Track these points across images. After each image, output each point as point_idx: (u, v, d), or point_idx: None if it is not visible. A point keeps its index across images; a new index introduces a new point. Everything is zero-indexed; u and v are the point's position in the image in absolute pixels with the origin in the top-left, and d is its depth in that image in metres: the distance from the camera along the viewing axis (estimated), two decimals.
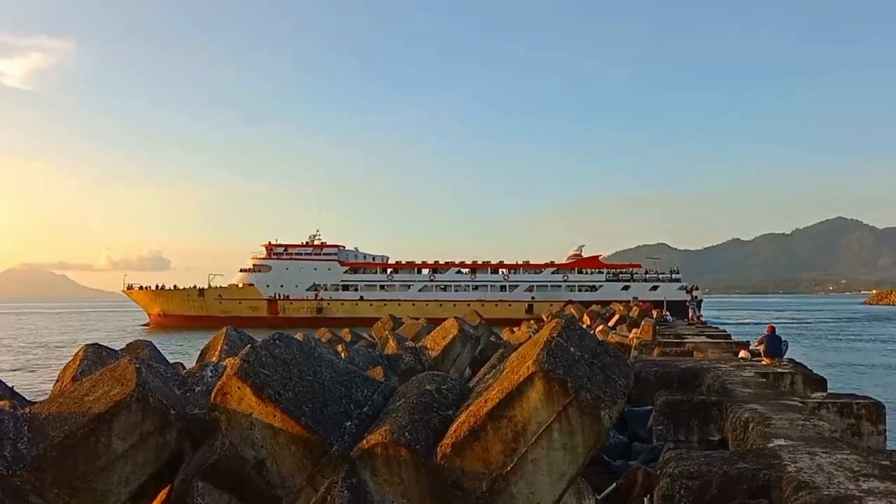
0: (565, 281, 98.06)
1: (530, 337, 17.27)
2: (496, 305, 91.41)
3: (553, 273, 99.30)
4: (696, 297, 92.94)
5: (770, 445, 7.37)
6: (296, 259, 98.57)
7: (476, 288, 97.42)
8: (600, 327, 33.57)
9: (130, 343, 11.10)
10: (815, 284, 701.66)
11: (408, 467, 5.96)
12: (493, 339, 25.30)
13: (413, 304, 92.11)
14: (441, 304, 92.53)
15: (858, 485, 5.60)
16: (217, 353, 11.75)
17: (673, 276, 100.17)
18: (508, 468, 5.67)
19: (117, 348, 10.33)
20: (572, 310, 47.79)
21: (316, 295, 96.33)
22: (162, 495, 7.44)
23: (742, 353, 19.43)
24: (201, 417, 7.37)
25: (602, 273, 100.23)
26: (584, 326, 26.42)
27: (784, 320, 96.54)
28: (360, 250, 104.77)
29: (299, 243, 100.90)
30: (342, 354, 12.93)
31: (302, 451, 6.31)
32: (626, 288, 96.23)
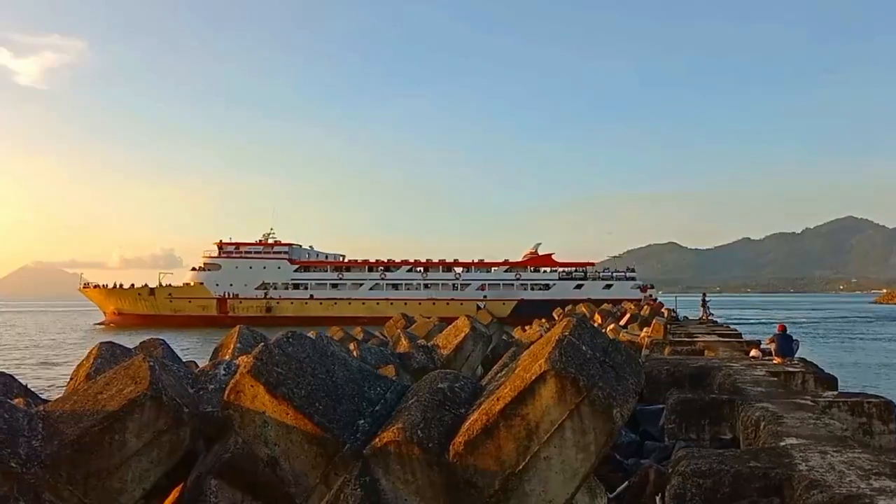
0: (518, 279, 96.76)
1: (542, 335, 17.28)
2: (447, 304, 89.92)
3: (506, 272, 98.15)
4: (651, 295, 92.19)
5: (781, 444, 7.36)
6: (245, 258, 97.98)
7: (428, 286, 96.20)
8: (611, 326, 33.50)
9: (144, 341, 11.17)
10: (825, 283, 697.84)
11: (421, 465, 5.98)
12: (504, 337, 25.29)
13: (363, 303, 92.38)
14: (391, 303, 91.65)
15: (870, 483, 5.60)
16: (230, 351, 11.80)
17: (628, 274, 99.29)
18: (521, 466, 5.68)
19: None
20: (583, 308, 47.66)
21: (265, 294, 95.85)
22: (175, 493, 7.49)
23: (753, 352, 19.35)
24: (214, 415, 7.41)
25: (555, 272, 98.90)
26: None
27: (795, 319, 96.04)
28: (316, 249, 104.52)
29: (251, 242, 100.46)
30: (354, 353, 12.97)
31: (315, 449, 6.34)
32: (579, 287, 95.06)
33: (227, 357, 11.03)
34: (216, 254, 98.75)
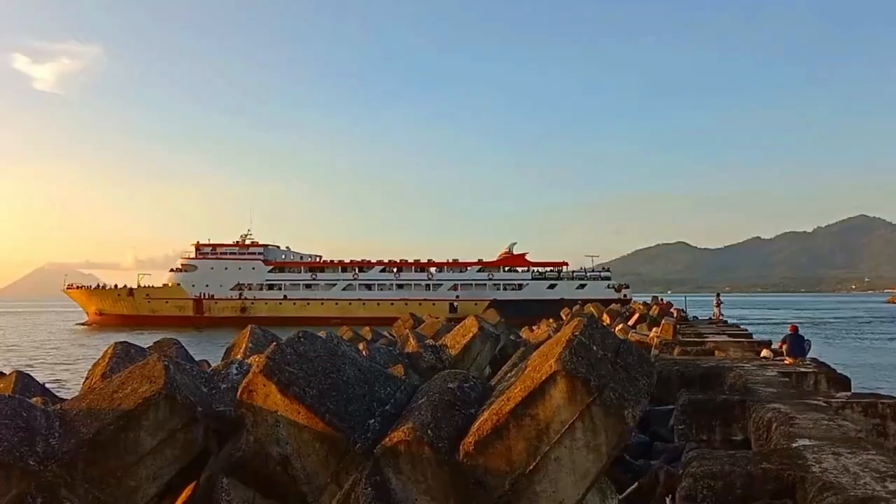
0: (490, 280, 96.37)
1: (550, 336, 17.26)
2: (420, 304, 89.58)
3: (478, 272, 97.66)
4: (625, 295, 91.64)
5: (794, 445, 7.32)
6: (221, 258, 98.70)
7: (401, 287, 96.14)
8: (620, 326, 33.42)
9: (158, 341, 11.27)
10: (837, 283, 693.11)
11: (431, 465, 6.01)
12: (512, 337, 25.29)
13: (336, 304, 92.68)
14: (364, 304, 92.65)
15: (885, 486, 5.55)
16: (242, 350, 11.88)
17: (602, 274, 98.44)
18: (531, 467, 5.70)
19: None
20: (592, 309, 47.56)
21: (240, 294, 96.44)
22: (188, 491, 7.55)
23: (764, 353, 19.27)
24: (227, 414, 7.47)
25: (528, 272, 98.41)
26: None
27: (806, 319, 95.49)
28: (294, 249, 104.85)
29: (228, 243, 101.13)
30: (363, 352, 13.01)
31: (326, 448, 6.39)
32: (552, 287, 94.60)
33: (240, 357, 11.10)
34: (193, 255, 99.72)
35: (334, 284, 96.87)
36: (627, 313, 46.28)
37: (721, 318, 47.95)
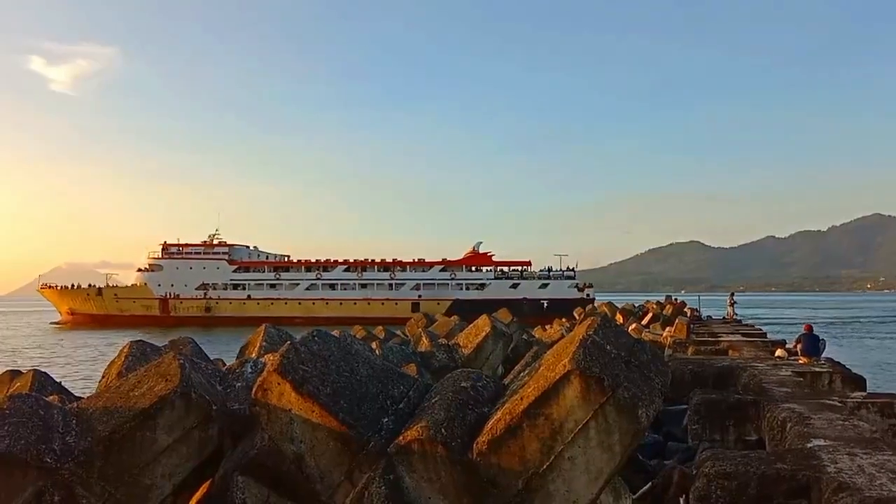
0: (453, 279, 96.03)
1: (563, 335, 17.22)
2: (382, 304, 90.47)
3: (441, 271, 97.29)
4: (589, 294, 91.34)
5: (809, 446, 7.28)
6: (186, 258, 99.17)
7: (364, 286, 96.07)
8: (633, 325, 33.30)
9: (173, 340, 11.36)
10: (852, 282, 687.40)
11: (444, 464, 6.02)
12: (524, 336, 25.26)
13: (300, 303, 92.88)
14: (327, 303, 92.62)
15: None
16: (256, 349, 11.95)
17: (565, 273, 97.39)
18: (545, 466, 5.69)
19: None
20: (604, 308, 47.41)
21: (205, 294, 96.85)
22: (203, 489, 7.60)
23: (778, 352, 19.16)
24: (242, 413, 7.52)
25: (491, 271, 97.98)
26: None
27: (821, 319, 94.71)
28: (261, 249, 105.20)
29: (195, 243, 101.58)
30: (376, 351, 13.05)
31: (340, 447, 6.41)
32: (515, 286, 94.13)
33: (254, 355, 11.16)
34: (159, 255, 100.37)
35: (298, 284, 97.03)
36: (641, 312, 46.11)
37: (735, 317, 47.67)
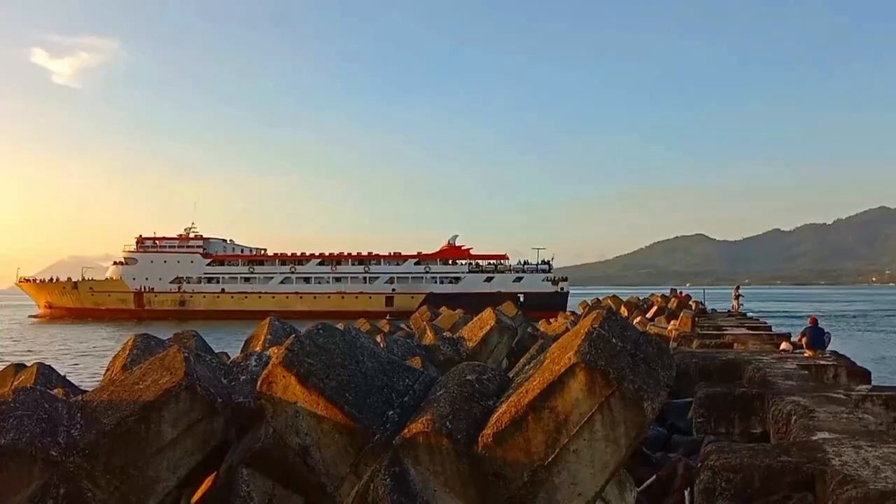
0: (427, 272, 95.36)
1: (568, 328, 17.20)
2: (356, 298, 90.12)
3: (415, 264, 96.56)
4: (563, 288, 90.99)
5: (814, 438, 7.26)
6: (160, 252, 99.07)
7: (338, 280, 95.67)
8: (638, 318, 33.28)
9: (177, 333, 11.38)
10: (858, 275, 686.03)
11: (449, 456, 6.03)
12: (529, 330, 25.27)
13: (273, 297, 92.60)
14: (301, 297, 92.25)
15: None
16: (261, 342, 11.97)
17: (539, 266, 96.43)
18: (550, 459, 5.70)
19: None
20: (609, 301, 47.35)
21: (179, 287, 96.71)
22: (208, 482, 7.62)
23: (783, 345, 19.13)
24: (246, 406, 7.52)
25: (466, 265, 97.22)
26: None
27: (826, 312, 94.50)
28: (237, 242, 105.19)
29: (171, 236, 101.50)
30: (381, 345, 13.06)
31: (345, 439, 6.43)
32: (489, 280, 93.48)
33: (258, 348, 11.18)
34: (134, 248, 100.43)
35: (272, 278, 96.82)
36: (646, 306, 46.07)
37: (740, 310, 47.60)
